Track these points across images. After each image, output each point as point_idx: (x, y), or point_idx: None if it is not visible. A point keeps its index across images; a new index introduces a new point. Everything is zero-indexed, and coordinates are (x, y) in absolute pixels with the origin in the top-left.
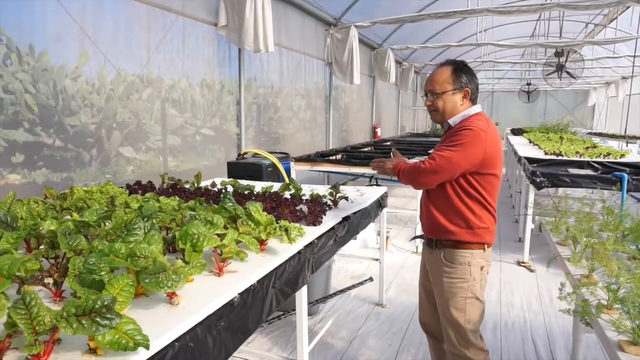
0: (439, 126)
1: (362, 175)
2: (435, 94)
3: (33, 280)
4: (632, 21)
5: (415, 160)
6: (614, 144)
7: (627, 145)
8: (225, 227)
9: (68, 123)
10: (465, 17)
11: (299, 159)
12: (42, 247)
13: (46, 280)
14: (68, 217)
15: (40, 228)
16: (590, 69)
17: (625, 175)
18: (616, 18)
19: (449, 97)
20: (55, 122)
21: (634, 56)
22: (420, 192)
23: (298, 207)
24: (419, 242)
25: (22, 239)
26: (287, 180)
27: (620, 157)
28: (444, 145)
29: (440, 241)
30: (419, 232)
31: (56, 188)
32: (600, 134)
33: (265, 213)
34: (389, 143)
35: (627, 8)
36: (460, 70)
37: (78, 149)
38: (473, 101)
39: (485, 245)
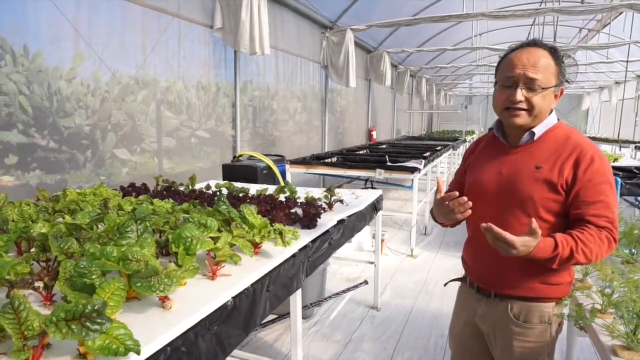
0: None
1: (358, 178)
2: (538, 87)
3: (23, 284)
4: (625, 26)
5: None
6: (607, 148)
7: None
8: (219, 230)
9: (62, 125)
10: (460, 21)
11: (295, 162)
12: (33, 250)
13: (36, 284)
14: (60, 219)
15: (32, 231)
16: (584, 73)
17: (619, 179)
18: (609, 23)
19: (550, 94)
20: (50, 123)
21: (627, 61)
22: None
23: (293, 210)
24: (415, 245)
25: (12, 242)
26: (282, 183)
27: (613, 161)
28: (597, 186)
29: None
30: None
31: (50, 190)
32: (593, 138)
33: (259, 216)
34: (384, 146)
35: (620, 14)
36: (560, 58)
37: (72, 150)
38: None
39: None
